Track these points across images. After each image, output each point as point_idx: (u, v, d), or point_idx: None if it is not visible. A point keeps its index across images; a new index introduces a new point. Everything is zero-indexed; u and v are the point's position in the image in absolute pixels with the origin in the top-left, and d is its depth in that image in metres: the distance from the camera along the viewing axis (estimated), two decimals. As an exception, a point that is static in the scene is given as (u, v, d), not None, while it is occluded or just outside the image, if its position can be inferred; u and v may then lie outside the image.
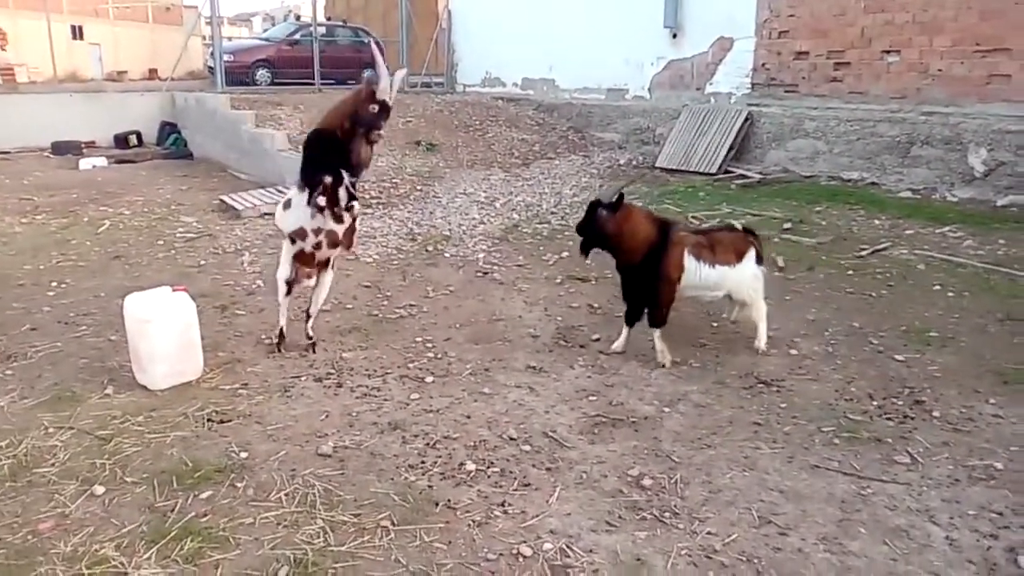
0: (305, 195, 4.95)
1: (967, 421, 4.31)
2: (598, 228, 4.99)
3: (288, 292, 5.31)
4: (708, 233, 5.39)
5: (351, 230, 5.14)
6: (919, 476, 3.75)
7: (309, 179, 4.93)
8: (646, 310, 5.17)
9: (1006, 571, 3.05)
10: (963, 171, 10.15)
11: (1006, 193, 9.69)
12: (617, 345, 5.32)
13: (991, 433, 4.17)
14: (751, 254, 5.22)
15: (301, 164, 5.06)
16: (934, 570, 3.06)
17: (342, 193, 4.93)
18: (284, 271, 5.26)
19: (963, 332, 5.64)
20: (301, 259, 5.19)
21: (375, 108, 4.83)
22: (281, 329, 5.36)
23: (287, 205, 5.13)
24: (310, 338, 5.37)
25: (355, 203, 5.04)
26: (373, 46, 5.56)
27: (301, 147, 5.15)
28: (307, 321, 5.40)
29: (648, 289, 5.07)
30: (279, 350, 5.30)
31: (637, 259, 5.01)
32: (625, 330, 5.31)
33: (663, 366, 5.09)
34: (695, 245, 5.07)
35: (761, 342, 5.32)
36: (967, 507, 3.48)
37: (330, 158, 4.88)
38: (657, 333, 5.16)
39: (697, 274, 5.04)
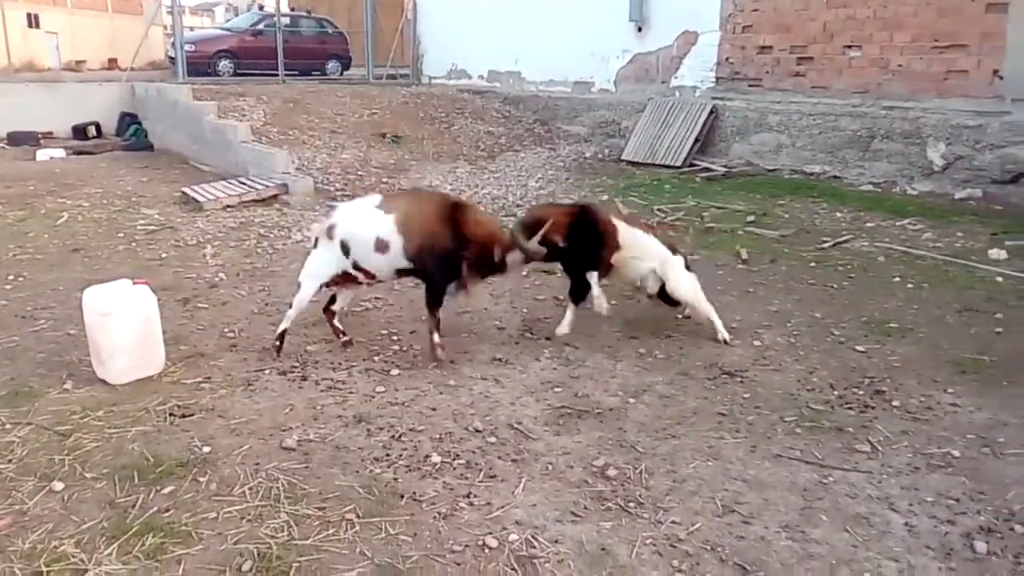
0: (405, 260, 4.86)
1: (926, 410, 4.39)
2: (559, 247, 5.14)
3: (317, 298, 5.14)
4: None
5: None
6: (879, 464, 3.81)
7: (437, 290, 4.95)
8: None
9: (963, 556, 3.11)
10: (922, 165, 10.32)
11: (964, 186, 9.87)
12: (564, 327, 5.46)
13: (949, 422, 4.25)
14: (680, 258, 5.49)
15: (433, 252, 4.83)
16: (893, 556, 3.11)
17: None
18: (321, 277, 5.00)
19: (922, 323, 5.73)
20: (346, 277, 5.04)
21: (499, 260, 4.96)
22: (284, 332, 5.10)
23: (382, 248, 4.80)
24: (344, 334, 5.30)
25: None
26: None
27: (443, 224, 4.84)
28: (333, 317, 5.30)
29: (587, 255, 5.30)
30: (279, 354, 5.06)
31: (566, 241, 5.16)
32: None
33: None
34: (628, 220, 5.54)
35: (722, 334, 5.37)
36: (925, 494, 3.54)
37: (456, 265, 4.90)
38: (595, 276, 5.35)
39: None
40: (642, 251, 5.36)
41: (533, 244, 4.88)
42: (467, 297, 5.12)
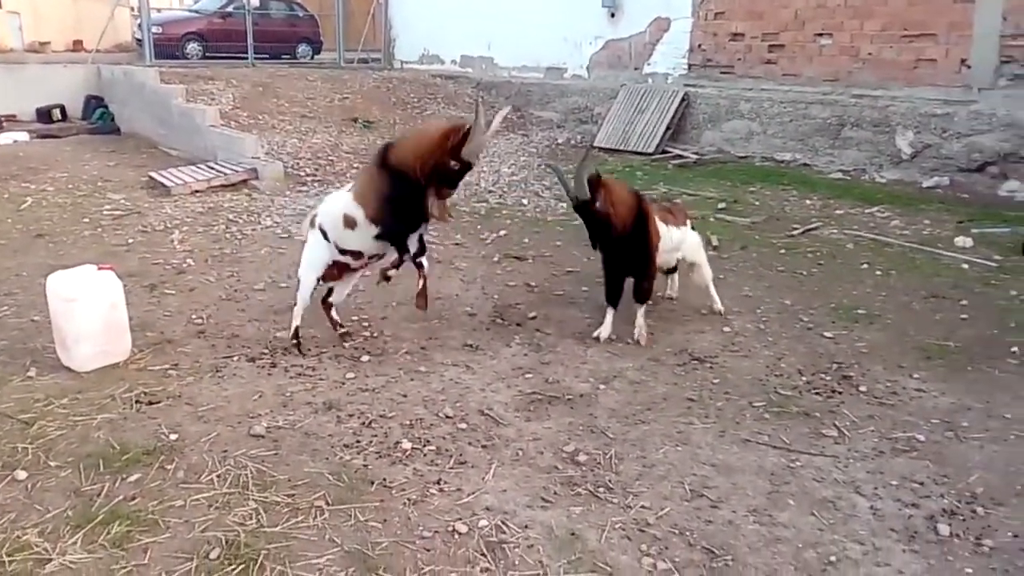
0: (374, 227, 4.61)
1: (892, 395, 4.44)
2: (603, 220, 4.82)
3: (316, 290, 4.98)
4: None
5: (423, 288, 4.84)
6: (846, 449, 3.85)
7: (393, 238, 4.65)
8: (633, 283, 5.17)
9: (926, 538, 3.16)
10: (891, 153, 10.42)
11: (931, 175, 9.98)
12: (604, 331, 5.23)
13: (914, 406, 4.31)
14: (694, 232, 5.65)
15: (376, 202, 4.55)
16: (859, 539, 3.15)
17: (412, 242, 4.67)
18: (316, 270, 4.88)
19: (889, 309, 5.80)
20: (338, 267, 4.92)
21: (456, 165, 4.37)
22: (297, 329, 4.96)
23: (350, 224, 4.63)
24: (341, 326, 5.21)
25: (424, 261, 4.78)
26: (477, 104, 5.05)
27: (376, 172, 4.58)
28: (331, 309, 5.19)
29: (638, 258, 5.05)
30: (300, 351, 4.91)
31: (628, 229, 4.89)
32: (610, 312, 5.22)
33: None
34: (660, 211, 5.32)
35: (718, 305, 5.68)
36: (890, 478, 3.59)
37: (409, 208, 4.54)
38: (642, 309, 5.21)
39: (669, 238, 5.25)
40: (675, 245, 5.35)
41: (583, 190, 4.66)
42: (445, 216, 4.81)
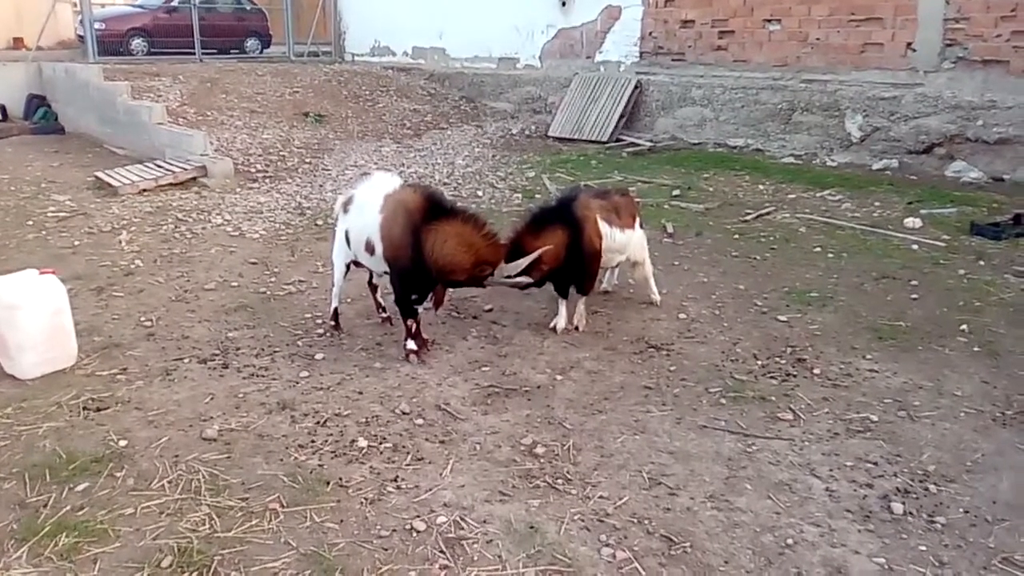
0: (386, 265, 4.70)
1: (845, 376, 4.49)
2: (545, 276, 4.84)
3: (347, 274, 5.09)
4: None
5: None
6: (801, 431, 3.89)
7: (398, 298, 4.72)
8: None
9: (880, 517, 3.20)
10: (841, 136, 10.55)
11: (880, 157, 10.13)
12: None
13: (867, 387, 4.36)
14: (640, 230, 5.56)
15: (395, 255, 4.53)
16: (815, 521, 3.18)
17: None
18: (343, 258, 4.98)
19: (841, 291, 5.87)
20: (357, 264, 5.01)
21: (472, 280, 4.58)
22: (335, 311, 5.18)
23: (370, 250, 4.64)
24: (384, 309, 5.31)
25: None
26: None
27: (409, 235, 4.44)
28: (376, 291, 5.32)
29: (577, 275, 5.08)
30: (338, 331, 5.14)
31: (561, 261, 4.84)
32: (563, 303, 5.22)
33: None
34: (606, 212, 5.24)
35: (655, 296, 5.61)
36: (845, 459, 3.63)
37: (420, 285, 4.64)
38: (583, 299, 5.26)
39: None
40: (619, 247, 5.29)
41: (518, 276, 4.58)
42: (437, 311, 5.07)
